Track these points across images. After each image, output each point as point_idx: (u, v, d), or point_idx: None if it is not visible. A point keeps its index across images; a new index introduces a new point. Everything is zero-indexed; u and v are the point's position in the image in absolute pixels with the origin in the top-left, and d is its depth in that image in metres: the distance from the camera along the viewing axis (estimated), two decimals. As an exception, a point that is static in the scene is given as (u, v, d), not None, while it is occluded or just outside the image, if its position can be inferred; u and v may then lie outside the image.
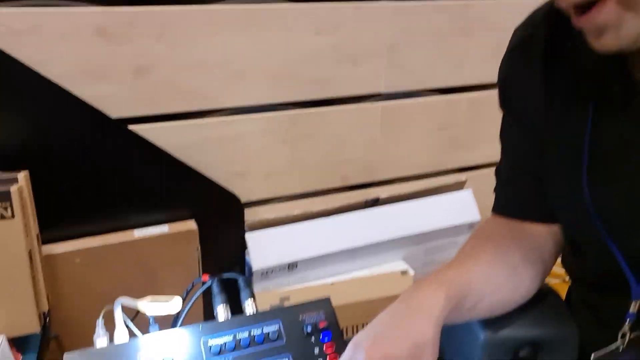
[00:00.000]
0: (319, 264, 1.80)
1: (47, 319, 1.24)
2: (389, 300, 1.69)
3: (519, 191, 0.70)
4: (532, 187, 0.68)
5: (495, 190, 0.75)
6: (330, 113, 1.68)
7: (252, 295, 0.68)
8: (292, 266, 1.71)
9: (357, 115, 1.72)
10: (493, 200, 0.75)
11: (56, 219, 1.36)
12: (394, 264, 1.86)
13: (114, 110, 1.38)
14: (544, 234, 0.70)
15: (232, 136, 1.55)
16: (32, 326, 1.13)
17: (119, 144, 1.42)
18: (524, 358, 0.63)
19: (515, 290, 0.65)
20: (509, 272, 0.65)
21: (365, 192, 1.83)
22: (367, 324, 1.71)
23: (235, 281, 0.68)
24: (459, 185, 2.01)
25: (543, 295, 0.67)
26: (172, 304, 0.62)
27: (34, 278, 1.13)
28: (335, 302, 1.76)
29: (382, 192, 1.85)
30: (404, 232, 1.83)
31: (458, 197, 1.94)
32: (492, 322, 0.63)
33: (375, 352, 0.53)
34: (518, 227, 0.69)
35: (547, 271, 0.69)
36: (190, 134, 1.49)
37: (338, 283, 1.72)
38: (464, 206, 1.90)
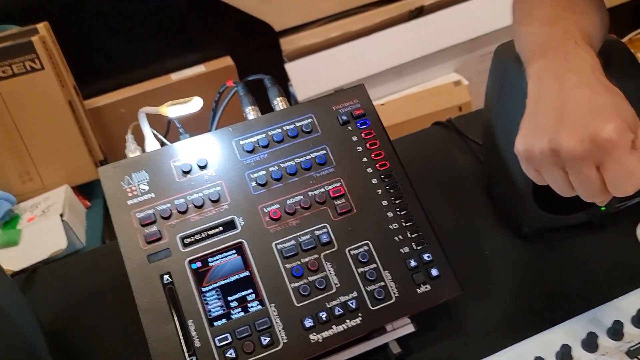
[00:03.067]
0: (367, 85, 1.71)
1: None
2: (445, 112, 1.64)
3: None
4: None
5: None
6: None
7: (282, 94, 0.63)
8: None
9: None
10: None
11: (92, 73, 1.35)
12: (447, 77, 1.76)
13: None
14: None
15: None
16: (91, 174, 1.17)
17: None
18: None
19: (603, 36, 0.55)
20: (597, 17, 0.54)
21: (408, 2, 1.68)
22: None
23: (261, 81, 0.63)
24: (512, -20, 1.80)
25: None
26: (192, 104, 0.59)
27: (81, 128, 1.14)
28: (389, 121, 1.73)
29: (426, -1, 1.69)
30: (455, 40, 1.70)
31: (512, -7, 1.75)
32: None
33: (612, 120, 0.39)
34: None
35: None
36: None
37: (389, 102, 1.66)
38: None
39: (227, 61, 1.45)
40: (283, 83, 1.61)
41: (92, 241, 1.11)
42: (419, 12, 1.70)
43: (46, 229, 1.02)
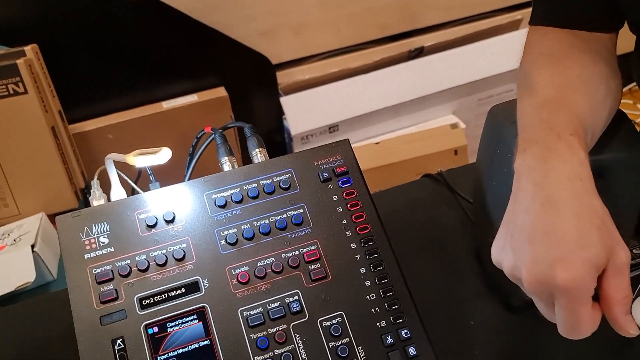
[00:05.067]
0: (362, 124, 1.70)
1: (88, 196, 1.25)
2: (440, 155, 1.61)
3: None
4: None
5: None
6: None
7: (262, 145, 0.59)
8: (333, 128, 1.62)
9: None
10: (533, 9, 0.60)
11: (81, 97, 1.32)
12: (444, 118, 1.74)
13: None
14: (610, 43, 0.56)
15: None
16: (70, 202, 1.13)
17: (132, 10, 1.31)
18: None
19: (611, 109, 0.53)
20: (604, 91, 0.52)
21: (408, 42, 1.66)
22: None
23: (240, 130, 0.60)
24: (513, 25, 1.79)
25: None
26: (160, 155, 0.55)
27: (62, 155, 1.10)
28: (382, 161, 1.71)
29: (427, 40, 1.67)
30: (453, 82, 1.68)
31: (513, 39, 1.74)
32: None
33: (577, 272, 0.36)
34: (584, 37, 0.55)
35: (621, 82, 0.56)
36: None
37: (384, 141, 1.63)
38: (521, 48, 1.71)
39: (220, 92, 1.43)
40: (278, 117, 1.58)
41: (64, 273, 1.06)
42: (418, 52, 1.68)
43: (15, 260, 0.97)
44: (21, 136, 1.05)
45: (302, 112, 1.56)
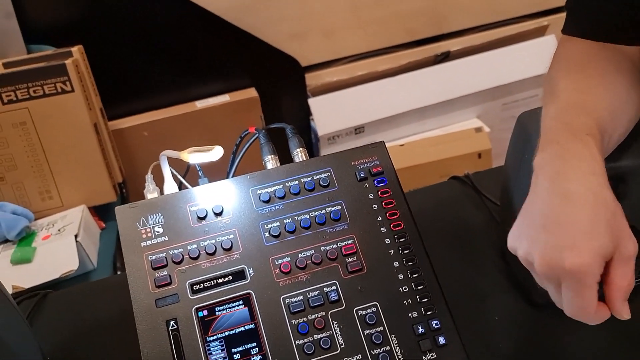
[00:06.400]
0: (388, 125, 1.74)
1: (125, 190, 1.30)
2: (463, 159, 1.64)
3: (608, 5, 0.58)
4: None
5: (570, 5, 0.62)
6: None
7: (302, 145, 0.63)
8: (359, 130, 1.66)
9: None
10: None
11: (119, 95, 1.37)
12: (469, 122, 1.76)
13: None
14: (637, 55, 0.59)
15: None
16: (109, 196, 1.18)
17: (170, 11, 1.36)
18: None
19: (632, 117, 0.55)
20: (626, 98, 0.53)
21: (435, 47, 1.69)
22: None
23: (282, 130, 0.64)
24: (539, 31, 1.81)
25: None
26: (213, 152, 0.60)
27: (103, 150, 1.16)
28: (407, 163, 1.74)
29: (453, 44, 1.70)
30: (479, 86, 1.70)
31: (539, 45, 1.75)
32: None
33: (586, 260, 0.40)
34: (612, 48, 0.58)
35: None
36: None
37: (409, 143, 1.66)
38: (546, 53, 1.73)
39: (251, 92, 1.47)
40: (305, 117, 1.62)
41: (103, 263, 1.12)
42: (445, 56, 1.71)
43: (60, 249, 1.03)
44: (66, 132, 1.11)
45: (329, 114, 1.60)
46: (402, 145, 1.64)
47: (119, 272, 1.15)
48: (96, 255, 1.11)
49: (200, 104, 1.43)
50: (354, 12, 1.55)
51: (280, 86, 1.58)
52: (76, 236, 1.05)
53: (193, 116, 1.41)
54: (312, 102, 1.59)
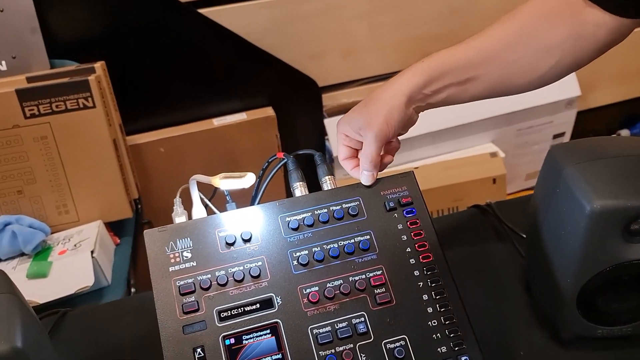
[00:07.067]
0: (402, 148, 1.71)
1: (140, 206, 1.30)
2: (478, 183, 1.63)
3: None
4: None
5: None
6: (410, -18, 1.53)
7: (331, 173, 0.63)
8: (373, 151, 1.65)
9: (440, -17, 1.55)
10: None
11: (137, 110, 1.38)
12: (483, 147, 1.76)
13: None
14: (603, 27, 0.55)
15: (304, 14, 1.45)
16: (125, 212, 1.18)
17: (190, 30, 1.37)
18: (636, 231, 0.56)
19: (524, 76, 0.58)
20: (526, 55, 0.57)
21: (451, 70, 1.69)
22: (455, 208, 1.63)
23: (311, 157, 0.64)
24: (556, 58, 1.81)
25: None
26: (245, 179, 0.60)
27: (121, 166, 1.16)
28: (421, 186, 1.71)
29: (470, 69, 1.70)
30: (493, 111, 1.71)
31: (555, 71, 1.76)
32: (601, 191, 0.54)
33: (342, 121, 0.62)
34: (578, 6, 0.56)
35: (575, 66, 0.58)
36: (259, 15, 1.40)
37: (423, 167, 1.65)
38: (561, 80, 1.72)
39: (268, 111, 1.48)
40: (321, 137, 1.62)
41: (117, 279, 1.11)
42: (461, 80, 1.71)
43: (76, 264, 1.03)
44: (86, 147, 1.11)
45: (345, 134, 1.60)
46: (416, 168, 1.64)
47: (132, 289, 1.14)
48: (111, 271, 1.11)
49: (217, 121, 1.44)
50: (373, 34, 1.55)
51: (297, 106, 1.59)
52: (92, 252, 1.04)
53: (210, 134, 1.42)
54: (328, 122, 1.60)
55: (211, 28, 1.37)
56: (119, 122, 1.21)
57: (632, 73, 1.85)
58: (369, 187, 0.60)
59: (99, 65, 1.13)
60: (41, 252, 1.07)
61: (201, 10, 1.35)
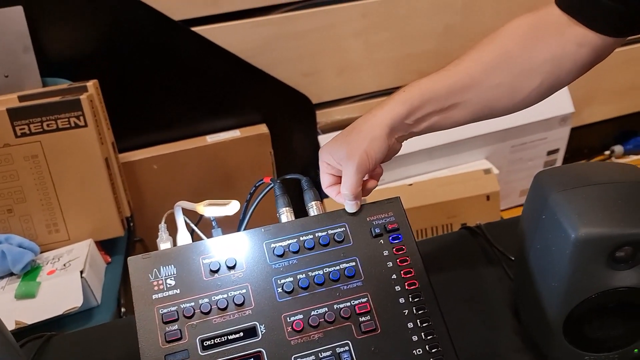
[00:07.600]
0: (396, 164, 1.73)
1: (132, 224, 1.30)
2: (472, 200, 1.63)
3: None
4: None
5: None
6: None
7: (318, 198, 0.63)
8: (367, 168, 1.65)
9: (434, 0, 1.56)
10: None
11: (130, 128, 1.38)
12: (477, 163, 1.76)
13: (176, 12, 1.33)
14: (586, 47, 0.55)
15: (298, 33, 1.46)
16: (116, 230, 1.18)
17: (184, 47, 1.38)
18: (621, 259, 0.56)
19: (507, 99, 0.59)
20: (507, 79, 0.57)
21: (445, 87, 1.70)
22: (449, 226, 1.63)
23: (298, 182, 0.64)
24: (550, 75, 1.82)
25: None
26: (229, 207, 0.60)
27: (113, 184, 1.16)
28: (414, 203, 1.73)
29: (463, 86, 1.71)
30: (487, 128, 1.71)
31: (549, 88, 1.77)
32: (586, 218, 0.54)
33: (323, 149, 0.62)
34: (562, 24, 0.55)
35: (558, 86, 0.58)
36: (253, 33, 1.41)
37: (417, 183, 1.65)
38: (555, 97, 1.72)
39: (262, 129, 1.48)
40: (314, 154, 1.62)
41: (107, 299, 1.10)
42: (455, 97, 1.72)
43: (65, 285, 1.02)
44: (77, 166, 1.11)
45: (339, 151, 1.60)
46: (410, 184, 1.64)
47: (122, 309, 1.13)
48: (101, 290, 1.10)
49: (210, 138, 1.44)
50: (367, 51, 1.56)
51: (291, 123, 1.59)
52: (82, 272, 1.04)
53: (203, 151, 1.42)
54: (322, 139, 1.60)
55: (205, 46, 1.37)
56: (112, 140, 1.21)
57: (626, 89, 1.86)
58: (354, 213, 0.60)
59: (91, 84, 1.14)
60: (30, 272, 1.06)
61: (195, 29, 1.35)
